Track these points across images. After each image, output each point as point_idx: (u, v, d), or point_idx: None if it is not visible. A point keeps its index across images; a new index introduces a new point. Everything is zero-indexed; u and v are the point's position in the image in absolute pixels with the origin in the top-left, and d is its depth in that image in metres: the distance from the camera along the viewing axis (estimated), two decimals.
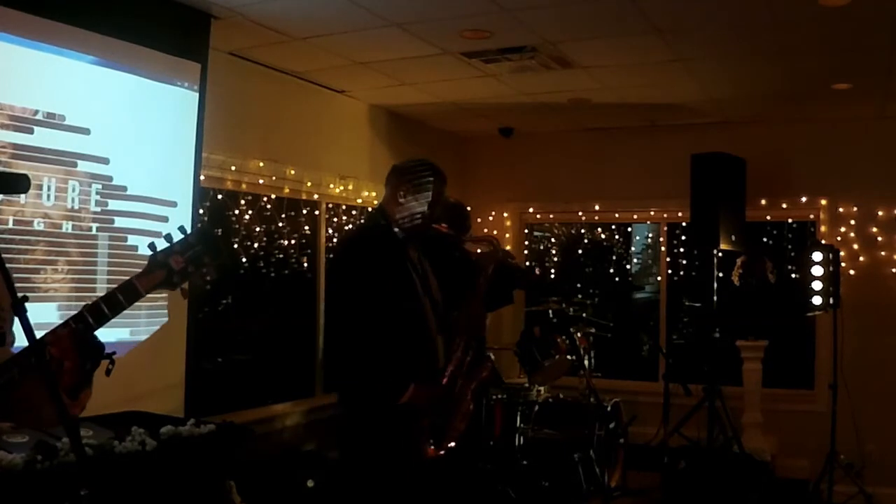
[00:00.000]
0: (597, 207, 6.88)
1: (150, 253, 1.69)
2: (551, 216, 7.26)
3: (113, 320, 1.64)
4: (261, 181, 4.91)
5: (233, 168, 4.69)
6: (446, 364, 2.94)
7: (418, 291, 2.98)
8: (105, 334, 1.65)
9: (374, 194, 5.81)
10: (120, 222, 3.69)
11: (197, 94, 4.06)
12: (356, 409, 2.90)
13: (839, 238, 5.96)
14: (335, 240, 5.65)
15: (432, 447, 2.81)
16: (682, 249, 6.72)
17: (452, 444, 2.87)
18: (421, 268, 3.06)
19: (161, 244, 1.68)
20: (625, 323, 7.00)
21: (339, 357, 2.92)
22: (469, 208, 6.03)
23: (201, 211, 4.27)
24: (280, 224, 5.14)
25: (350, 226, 5.77)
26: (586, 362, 5.39)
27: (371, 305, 2.81)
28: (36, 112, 3.32)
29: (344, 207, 5.76)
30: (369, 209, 5.84)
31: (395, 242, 3.00)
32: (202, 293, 4.54)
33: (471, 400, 2.96)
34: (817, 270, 5.25)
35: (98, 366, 1.62)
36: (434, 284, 3.07)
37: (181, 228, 1.70)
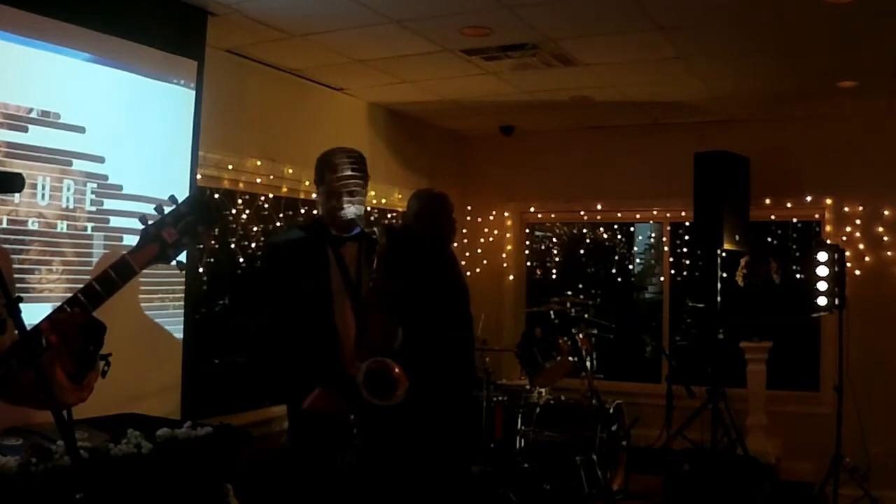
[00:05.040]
0: (599, 207, 6.83)
1: (141, 228, 1.61)
2: (553, 216, 7.22)
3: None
4: (258, 180, 4.87)
5: (230, 167, 4.64)
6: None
7: (331, 292, 2.86)
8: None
9: (372, 193, 5.77)
10: (115, 222, 3.64)
11: (193, 92, 4.02)
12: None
13: (844, 238, 5.90)
14: None
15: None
16: (685, 249, 6.68)
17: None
18: (355, 268, 2.93)
19: (153, 218, 1.61)
20: (627, 324, 6.95)
21: (249, 356, 2.92)
22: (469, 207, 5.96)
23: None
24: (278, 224, 5.09)
25: None
26: (588, 364, 5.35)
27: (271, 306, 2.81)
28: (30, 110, 3.28)
29: None
30: (367, 208, 5.79)
31: (319, 242, 2.90)
32: (199, 293, 4.49)
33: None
34: (822, 271, 5.20)
35: (101, 346, 1.57)
36: (367, 286, 2.91)
37: (172, 198, 1.62)
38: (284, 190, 5.12)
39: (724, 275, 5.74)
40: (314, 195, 5.34)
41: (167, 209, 1.61)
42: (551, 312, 5.60)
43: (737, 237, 5.69)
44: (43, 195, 3.34)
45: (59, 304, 3.43)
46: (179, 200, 1.63)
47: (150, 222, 1.60)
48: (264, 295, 2.89)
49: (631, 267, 7.64)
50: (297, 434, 2.91)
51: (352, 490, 2.78)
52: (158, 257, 1.60)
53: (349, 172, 2.91)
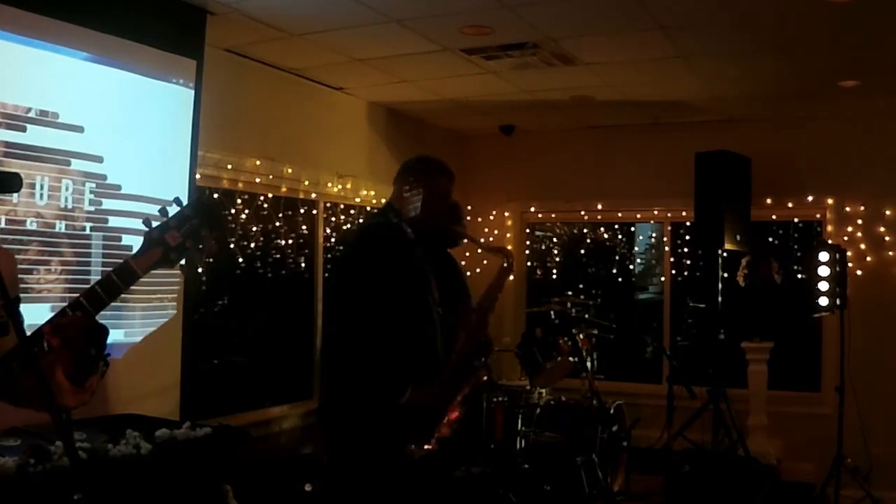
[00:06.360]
0: (599, 206, 6.82)
1: (144, 230, 1.60)
2: (553, 215, 7.20)
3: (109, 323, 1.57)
4: (257, 180, 4.86)
5: (229, 167, 4.63)
6: (446, 359, 2.94)
7: (429, 290, 2.99)
8: None
9: (372, 193, 5.76)
10: (114, 222, 3.64)
11: (193, 92, 4.02)
12: (353, 408, 2.86)
13: (846, 238, 5.89)
14: (335, 238, 5.59)
15: (413, 448, 2.80)
16: (686, 249, 6.66)
17: (431, 446, 2.83)
18: (425, 266, 3.07)
19: (157, 220, 1.59)
20: (628, 324, 6.94)
21: (350, 355, 2.87)
22: (469, 207, 5.97)
23: None
24: (277, 223, 5.08)
25: (348, 225, 5.71)
26: (588, 364, 5.33)
27: (386, 302, 2.80)
28: (29, 110, 3.28)
29: (342, 206, 5.70)
30: (368, 208, 5.78)
31: (407, 240, 3.00)
32: (198, 293, 4.48)
33: (460, 405, 2.92)
34: (824, 271, 5.19)
35: (104, 349, 1.55)
36: (433, 283, 3.07)
37: (177, 200, 1.61)
38: (284, 190, 5.11)
39: (725, 275, 5.73)
40: (311, 194, 5.40)
41: (171, 212, 1.60)
42: (551, 313, 5.59)
43: (738, 237, 5.68)
44: (41, 195, 3.33)
45: (57, 303, 3.44)
46: (184, 203, 1.62)
47: (153, 225, 1.59)
48: (382, 292, 2.85)
49: (631, 267, 7.62)
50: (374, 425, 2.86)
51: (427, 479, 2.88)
52: (161, 261, 1.59)
53: (441, 178, 3.09)
